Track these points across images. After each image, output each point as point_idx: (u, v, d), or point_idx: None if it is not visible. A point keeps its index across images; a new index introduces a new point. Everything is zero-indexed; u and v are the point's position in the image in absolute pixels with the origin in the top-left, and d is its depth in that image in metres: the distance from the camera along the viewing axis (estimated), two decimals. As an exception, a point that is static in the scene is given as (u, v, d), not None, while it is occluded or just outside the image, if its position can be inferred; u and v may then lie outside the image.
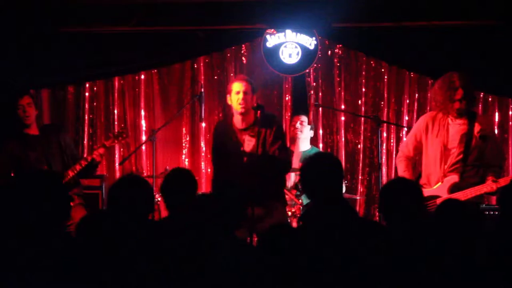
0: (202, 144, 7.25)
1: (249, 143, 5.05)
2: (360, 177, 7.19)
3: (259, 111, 5.05)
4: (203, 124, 7.13)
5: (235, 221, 3.62)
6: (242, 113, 5.08)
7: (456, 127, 5.19)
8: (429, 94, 5.13)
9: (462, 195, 5.03)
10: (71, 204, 5.32)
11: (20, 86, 6.89)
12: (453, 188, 5.09)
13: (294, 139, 6.62)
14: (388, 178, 7.05)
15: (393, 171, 7.03)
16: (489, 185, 5.02)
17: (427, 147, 5.28)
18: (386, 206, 3.51)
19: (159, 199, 6.14)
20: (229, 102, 5.21)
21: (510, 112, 7.08)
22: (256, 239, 5.43)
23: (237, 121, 5.14)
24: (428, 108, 6.69)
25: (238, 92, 5.10)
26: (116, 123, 7.21)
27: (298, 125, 6.58)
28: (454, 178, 5.11)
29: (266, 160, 5.03)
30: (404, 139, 6.41)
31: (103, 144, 5.65)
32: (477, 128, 5.15)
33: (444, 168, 5.16)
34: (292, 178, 6.35)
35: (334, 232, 3.26)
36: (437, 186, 5.12)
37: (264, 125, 5.09)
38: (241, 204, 3.71)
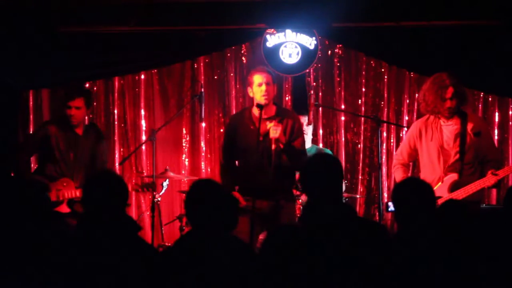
0: (202, 144, 7.25)
1: (276, 130, 5.08)
2: (360, 177, 7.18)
3: (260, 111, 5.14)
4: (203, 124, 7.12)
5: (227, 221, 3.60)
6: (265, 104, 5.16)
7: (449, 127, 5.23)
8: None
9: (463, 192, 5.06)
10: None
11: (20, 86, 6.92)
12: (453, 187, 5.12)
13: None
14: (388, 178, 7.06)
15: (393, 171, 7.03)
16: (489, 179, 5.05)
17: (423, 152, 5.32)
18: (399, 206, 3.52)
19: (159, 199, 6.15)
20: (250, 94, 5.30)
21: (510, 112, 7.08)
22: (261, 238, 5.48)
23: (257, 112, 5.17)
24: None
25: (260, 84, 5.20)
26: (116, 123, 7.20)
27: (304, 127, 6.55)
28: (453, 177, 5.14)
29: (290, 150, 5.10)
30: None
31: None
32: (470, 126, 5.18)
33: (443, 168, 5.18)
34: None
35: (333, 232, 3.26)
36: (437, 187, 5.13)
37: (286, 116, 5.23)
38: (227, 206, 3.66)
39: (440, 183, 5.14)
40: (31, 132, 6.39)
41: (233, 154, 5.32)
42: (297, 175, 5.45)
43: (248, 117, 5.28)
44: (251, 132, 5.20)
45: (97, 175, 3.66)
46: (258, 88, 5.18)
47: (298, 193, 6.13)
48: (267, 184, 5.01)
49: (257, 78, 5.21)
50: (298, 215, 6.03)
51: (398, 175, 5.44)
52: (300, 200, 6.12)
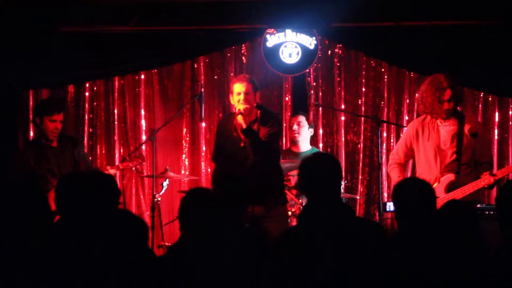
0: (202, 144, 7.25)
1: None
2: (360, 177, 7.18)
3: (259, 111, 5.20)
4: (203, 124, 7.12)
5: (237, 213, 3.62)
6: (243, 112, 5.15)
7: (446, 128, 5.25)
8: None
9: (460, 193, 5.07)
10: None
11: (20, 86, 6.92)
12: (450, 187, 5.12)
13: (293, 141, 6.61)
14: (388, 178, 7.05)
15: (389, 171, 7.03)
16: (486, 179, 5.07)
17: (419, 152, 5.33)
18: (399, 206, 3.52)
19: (159, 199, 6.15)
20: (231, 101, 5.33)
21: (510, 112, 7.08)
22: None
23: (240, 119, 5.17)
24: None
25: (239, 93, 5.21)
26: (116, 123, 7.20)
27: (295, 126, 6.57)
28: (450, 177, 5.15)
29: (251, 134, 5.11)
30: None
31: (117, 166, 5.98)
32: (467, 127, 5.20)
33: (440, 169, 5.19)
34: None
35: (331, 232, 3.26)
36: (434, 187, 5.14)
37: (264, 122, 5.20)
38: (242, 196, 3.70)
39: (436, 183, 5.14)
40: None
41: (221, 157, 5.38)
42: (295, 177, 5.46)
43: (232, 125, 5.30)
44: (233, 138, 5.24)
45: (86, 175, 3.67)
46: (236, 96, 5.20)
47: (298, 192, 6.15)
48: (254, 186, 5.01)
49: (237, 87, 5.21)
50: (297, 215, 6.04)
51: (394, 174, 5.44)
52: (300, 200, 6.12)
